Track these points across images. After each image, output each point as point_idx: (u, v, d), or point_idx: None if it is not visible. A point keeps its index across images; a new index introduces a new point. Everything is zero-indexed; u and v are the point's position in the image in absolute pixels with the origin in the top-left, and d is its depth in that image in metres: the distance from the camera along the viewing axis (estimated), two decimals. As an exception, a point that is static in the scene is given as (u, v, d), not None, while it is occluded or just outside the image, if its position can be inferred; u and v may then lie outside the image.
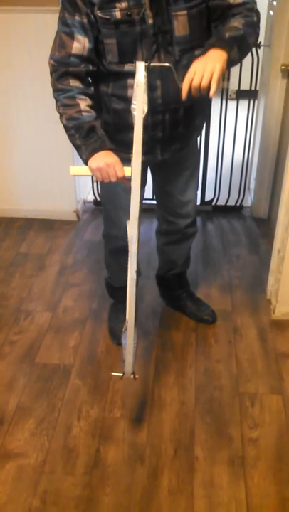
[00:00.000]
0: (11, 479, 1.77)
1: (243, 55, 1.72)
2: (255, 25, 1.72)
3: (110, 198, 2.06)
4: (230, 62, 1.63)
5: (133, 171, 1.61)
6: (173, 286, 2.48)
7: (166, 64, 1.64)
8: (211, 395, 2.07)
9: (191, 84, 1.57)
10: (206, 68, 1.56)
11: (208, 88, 1.57)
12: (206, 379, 2.14)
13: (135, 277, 1.69)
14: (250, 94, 3.13)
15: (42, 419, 1.97)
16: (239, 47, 1.65)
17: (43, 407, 2.02)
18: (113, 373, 1.87)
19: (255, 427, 1.93)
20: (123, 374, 1.81)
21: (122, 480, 1.76)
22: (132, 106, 1.58)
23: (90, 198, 3.48)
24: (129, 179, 1.62)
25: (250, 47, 1.73)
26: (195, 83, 1.57)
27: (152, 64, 1.61)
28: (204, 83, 1.56)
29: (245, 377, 2.14)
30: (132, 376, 1.81)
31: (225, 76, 2.94)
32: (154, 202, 2.31)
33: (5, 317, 2.48)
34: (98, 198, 3.38)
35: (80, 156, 1.71)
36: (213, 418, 1.97)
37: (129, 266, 1.68)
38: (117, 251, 2.16)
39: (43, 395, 2.07)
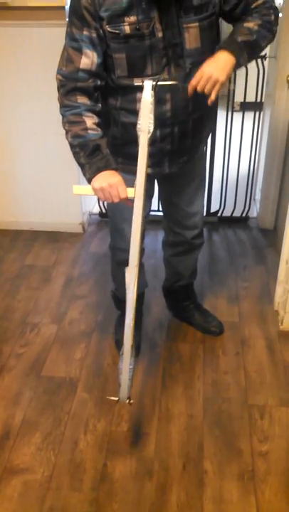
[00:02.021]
0: (17, 495, 1.74)
1: (252, 58, 1.75)
2: (273, 24, 1.72)
3: (116, 211, 2.04)
4: (238, 66, 1.67)
5: (134, 215, 1.61)
6: (180, 297, 2.45)
7: (174, 82, 1.65)
8: (220, 407, 2.04)
9: (195, 88, 1.64)
10: (211, 76, 1.60)
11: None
12: (214, 391, 2.11)
13: (132, 325, 1.69)
14: (256, 106, 3.12)
15: (48, 433, 1.95)
16: (250, 52, 1.68)
17: (49, 421, 1.99)
18: (108, 397, 1.85)
19: (264, 440, 1.90)
20: (118, 399, 1.78)
21: (130, 495, 1.73)
22: (138, 126, 1.57)
23: (96, 210, 3.47)
24: (132, 200, 1.61)
25: (262, 49, 1.75)
26: (198, 89, 1.64)
27: (160, 83, 1.60)
28: (206, 92, 1.63)
29: (254, 390, 2.11)
30: (127, 401, 1.78)
31: (231, 79, 2.95)
32: (161, 213, 2.30)
33: (11, 330, 2.47)
34: (104, 210, 3.38)
35: (84, 175, 1.70)
36: (221, 431, 1.94)
37: (126, 316, 1.69)
38: (123, 263, 2.11)
39: (50, 408, 2.05)
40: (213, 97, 1.64)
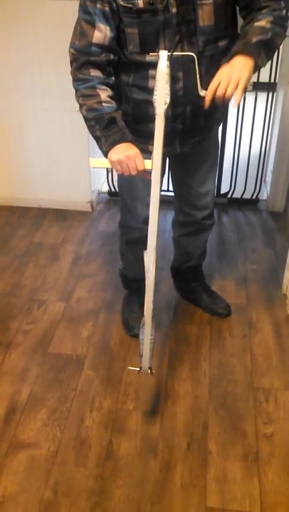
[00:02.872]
0: (22, 469, 1.76)
1: (270, 58, 1.65)
2: (285, 20, 1.65)
3: (128, 188, 2.03)
4: (257, 68, 1.58)
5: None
6: (188, 278, 2.45)
7: (190, 53, 1.60)
8: (225, 388, 2.05)
9: (214, 93, 1.55)
10: (231, 78, 1.52)
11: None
12: (220, 373, 2.12)
13: (152, 307, 1.71)
14: (269, 87, 3.07)
15: (54, 409, 1.96)
16: (266, 52, 1.60)
17: (55, 398, 2.01)
18: (130, 367, 1.87)
19: (269, 423, 1.91)
20: (140, 368, 1.81)
21: (135, 473, 1.74)
22: (154, 97, 1.54)
23: (105, 188, 3.46)
24: (149, 172, 1.59)
25: (278, 47, 1.68)
26: (219, 93, 1.54)
27: (175, 53, 1.57)
28: (228, 94, 1.54)
29: (260, 372, 2.12)
30: (148, 371, 1.81)
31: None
32: (171, 193, 2.28)
33: (18, 306, 2.47)
34: (113, 189, 3.36)
35: (100, 148, 1.68)
36: (226, 412, 1.95)
37: (146, 296, 1.70)
38: (133, 242, 2.14)
39: (56, 385, 2.06)
40: (239, 97, 1.54)
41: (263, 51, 1.59)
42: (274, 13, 1.62)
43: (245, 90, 1.55)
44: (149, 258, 1.67)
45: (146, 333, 1.75)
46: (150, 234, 1.65)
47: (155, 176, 1.57)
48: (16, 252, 2.88)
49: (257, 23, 1.61)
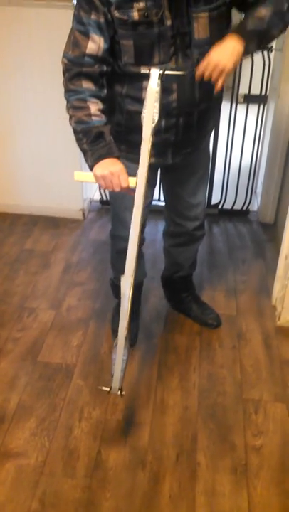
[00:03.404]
0: (10, 479, 1.74)
1: (261, 48, 1.72)
2: (285, 14, 1.67)
3: (118, 199, 2.03)
4: (246, 53, 1.62)
5: (133, 223, 1.60)
6: (178, 288, 2.45)
7: (181, 72, 1.62)
8: (215, 400, 2.05)
9: (202, 74, 1.61)
10: (218, 64, 1.57)
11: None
12: (209, 384, 2.12)
13: (125, 334, 1.71)
14: (260, 99, 3.10)
15: (43, 418, 1.95)
16: (259, 41, 1.64)
17: (44, 407, 2.00)
18: (100, 387, 1.84)
19: (258, 435, 1.91)
20: (110, 389, 1.79)
21: (123, 484, 1.74)
22: (142, 115, 1.55)
23: (97, 196, 3.46)
24: (133, 189, 1.60)
25: (273, 38, 1.72)
26: (205, 77, 1.60)
27: (167, 72, 1.58)
28: (213, 80, 1.60)
29: (249, 384, 2.12)
30: (118, 392, 1.78)
31: (236, 71, 2.92)
32: (162, 203, 2.29)
33: (8, 314, 2.46)
34: (104, 197, 3.36)
35: (86, 161, 1.68)
36: (216, 424, 1.95)
37: (120, 321, 1.71)
38: (123, 251, 2.11)
39: (45, 394, 2.05)
40: (219, 85, 1.61)
41: (256, 40, 1.63)
42: (276, 6, 1.64)
43: (226, 78, 1.61)
44: (126, 284, 1.67)
45: (119, 354, 1.74)
46: (128, 260, 1.65)
47: (137, 201, 1.58)
48: (7, 259, 2.87)
49: (257, 13, 1.64)
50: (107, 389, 1.80)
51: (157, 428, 1.93)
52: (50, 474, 1.76)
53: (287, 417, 1.98)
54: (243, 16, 1.69)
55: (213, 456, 1.83)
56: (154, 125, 1.53)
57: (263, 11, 1.63)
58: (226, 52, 1.59)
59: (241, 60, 1.64)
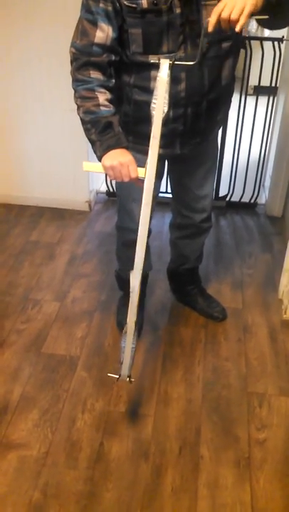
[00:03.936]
0: (12, 470, 1.74)
1: (275, 10, 1.52)
2: None
3: (125, 190, 2.02)
4: (266, 1, 1.48)
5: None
6: (184, 281, 2.44)
7: (190, 63, 1.59)
8: (219, 393, 2.03)
9: (220, 16, 1.45)
10: (236, 2, 1.43)
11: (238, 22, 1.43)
12: (214, 377, 2.10)
13: (133, 328, 1.73)
14: (270, 91, 3.07)
15: (46, 410, 1.94)
16: None
17: (47, 398, 1.99)
18: (109, 374, 1.85)
19: (262, 429, 1.89)
20: (119, 376, 1.79)
21: (125, 476, 1.73)
22: (152, 105, 1.53)
23: (103, 188, 3.44)
24: (142, 180, 1.58)
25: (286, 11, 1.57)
26: (224, 15, 1.44)
27: (176, 62, 1.56)
28: (233, 17, 1.43)
29: (254, 377, 2.10)
30: (127, 379, 1.79)
31: (246, 62, 2.86)
32: (169, 195, 2.27)
33: (13, 305, 2.46)
34: (111, 189, 3.35)
35: (94, 152, 1.66)
36: (220, 417, 1.93)
37: (128, 313, 1.73)
38: (129, 243, 2.10)
39: (48, 385, 2.04)
40: (238, 28, 1.43)
41: None
42: None
43: (248, 16, 1.44)
44: (135, 279, 1.68)
45: (128, 342, 1.74)
46: (137, 254, 1.65)
47: (146, 198, 1.56)
48: (12, 250, 2.86)
49: None
50: (116, 376, 1.80)
51: (161, 420, 1.92)
52: (52, 465, 1.76)
53: (292, 411, 1.97)
54: None
55: (216, 449, 1.82)
56: (163, 115, 1.51)
57: None
58: None
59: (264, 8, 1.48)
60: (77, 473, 1.73)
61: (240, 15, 1.43)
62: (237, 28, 1.45)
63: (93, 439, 1.85)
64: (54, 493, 1.67)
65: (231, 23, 1.45)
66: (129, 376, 1.79)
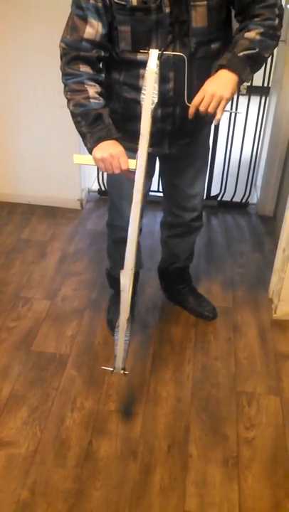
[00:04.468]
0: (0, 468, 1.74)
1: (255, 72, 1.68)
2: (277, 29, 1.64)
3: (116, 187, 2.02)
4: (241, 83, 1.62)
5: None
6: (175, 279, 2.44)
7: (180, 54, 1.60)
8: (208, 392, 2.04)
9: (197, 109, 1.61)
10: (214, 96, 1.57)
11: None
12: (203, 376, 2.11)
13: (126, 325, 1.74)
14: (262, 91, 3.07)
15: (35, 408, 1.94)
16: (252, 66, 1.63)
17: (36, 396, 1.99)
18: (103, 367, 1.87)
19: (251, 428, 1.90)
20: (114, 369, 1.80)
21: (114, 475, 1.73)
22: (142, 96, 1.53)
23: (95, 187, 3.44)
24: (133, 172, 1.58)
25: (266, 60, 1.70)
26: (201, 109, 1.60)
27: (166, 52, 1.57)
28: (210, 110, 1.60)
29: (244, 376, 2.11)
30: (122, 372, 1.80)
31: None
32: (160, 194, 2.27)
33: (3, 303, 2.45)
34: (103, 188, 3.35)
35: (85, 145, 1.66)
36: (209, 416, 1.94)
37: (120, 312, 1.73)
38: (120, 241, 2.10)
39: (38, 383, 2.04)
40: (219, 115, 1.60)
41: (249, 66, 1.61)
42: (265, 23, 1.61)
43: (231, 103, 1.58)
44: (125, 278, 1.68)
45: (121, 332, 1.76)
46: (127, 253, 1.66)
47: (137, 184, 1.57)
48: (3, 248, 2.85)
49: (247, 34, 1.61)
50: (111, 369, 1.81)
51: (150, 419, 1.92)
52: (40, 463, 1.76)
53: (280, 410, 1.97)
54: (237, 32, 1.65)
55: (205, 448, 1.82)
56: (153, 107, 1.51)
57: (253, 33, 1.60)
58: (220, 81, 1.59)
59: (238, 87, 1.63)
60: (66, 471, 1.73)
61: (216, 109, 1.59)
62: (215, 122, 1.63)
63: (82, 437, 1.85)
64: (42, 492, 1.67)
65: (209, 114, 1.61)
66: (124, 368, 1.80)
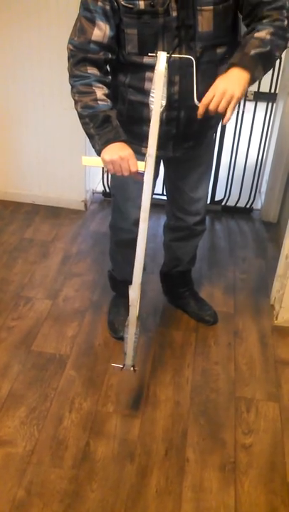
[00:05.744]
0: (-3, 466, 1.74)
1: (267, 71, 1.65)
2: (286, 30, 1.62)
3: (120, 189, 2.02)
4: (253, 82, 1.59)
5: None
6: (177, 283, 2.44)
7: (189, 56, 1.60)
8: (207, 396, 2.03)
9: (208, 106, 1.56)
10: (225, 94, 1.53)
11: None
12: (202, 380, 2.10)
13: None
14: (269, 97, 3.08)
15: (33, 408, 1.94)
16: (264, 65, 1.60)
17: (35, 396, 1.98)
18: (113, 364, 1.88)
19: (249, 433, 1.89)
20: (123, 366, 1.82)
21: (110, 476, 1.73)
22: (150, 99, 1.53)
23: (100, 188, 3.44)
24: (142, 174, 1.58)
25: (277, 59, 1.67)
26: (211, 108, 1.56)
27: (174, 55, 1.57)
28: (220, 109, 1.55)
29: (243, 382, 2.11)
30: (131, 369, 1.83)
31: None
32: (164, 197, 2.27)
33: (4, 302, 2.45)
34: (107, 189, 3.35)
35: (93, 146, 1.66)
36: (207, 420, 1.93)
37: (129, 326, 1.78)
38: (123, 243, 2.12)
39: (37, 383, 2.04)
40: (229, 115, 1.56)
41: (261, 64, 1.58)
42: (275, 24, 1.60)
43: (238, 104, 1.56)
44: (134, 293, 1.70)
45: (131, 328, 1.78)
46: (136, 268, 1.66)
47: (146, 187, 1.57)
48: (6, 247, 2.86)
49: (257, 34, 1.59)
50: (120, 366, 1.84)
51: (148, 422, 1.92)
52: (37, 464, 1.75)
53: (279, 416, 1.97)
54: (246, 35, 1.64)
55: (202, 453, 1.82)
56: (162, 109, 1.51)
57: (263, 33, 1.58)
58: (232, 79, 1.55)
59: (250, 85, 1.60)
60: (62, 472, 1.73)
61: (226, 108, 1.54)
62: (224, 122, 1.57)
63: (79, 438, 1.84)
64: (38, 492, 1.66)
65: (218, 113, 1.57)
66: (134, 366, 1.83)
